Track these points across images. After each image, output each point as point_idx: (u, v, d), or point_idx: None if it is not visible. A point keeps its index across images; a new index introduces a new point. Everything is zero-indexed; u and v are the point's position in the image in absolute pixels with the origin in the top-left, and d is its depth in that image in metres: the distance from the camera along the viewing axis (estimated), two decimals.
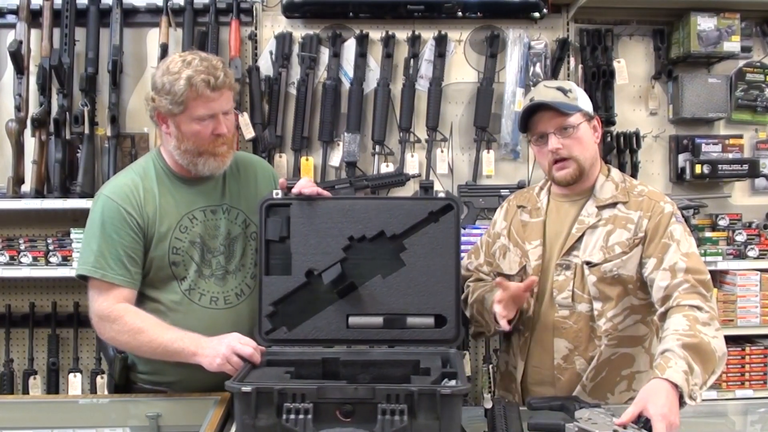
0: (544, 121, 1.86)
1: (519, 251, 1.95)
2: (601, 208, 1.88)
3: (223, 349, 1.70)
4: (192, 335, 1.78)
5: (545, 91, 1.88)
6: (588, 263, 1.84)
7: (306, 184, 1.91)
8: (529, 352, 1.93)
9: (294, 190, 1.89)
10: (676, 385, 1.54)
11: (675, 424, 1.49)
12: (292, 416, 1.41)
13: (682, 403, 1.55)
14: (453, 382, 1.55)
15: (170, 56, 1.88)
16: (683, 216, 3.19)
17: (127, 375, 1.96)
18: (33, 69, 3.01)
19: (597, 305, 1.84)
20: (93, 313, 1.86)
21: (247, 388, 1.43)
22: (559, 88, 1.88)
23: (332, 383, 1.57)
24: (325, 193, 1.91)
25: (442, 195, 1.89)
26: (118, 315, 1.81)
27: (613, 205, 1.88)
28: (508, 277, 1.94)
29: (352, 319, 1.83)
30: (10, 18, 3.07)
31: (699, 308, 1.70)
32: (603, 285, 1.83)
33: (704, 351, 1.63)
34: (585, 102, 1.90)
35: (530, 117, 1.88)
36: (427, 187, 1.91)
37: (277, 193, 1.90)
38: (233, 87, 1.86)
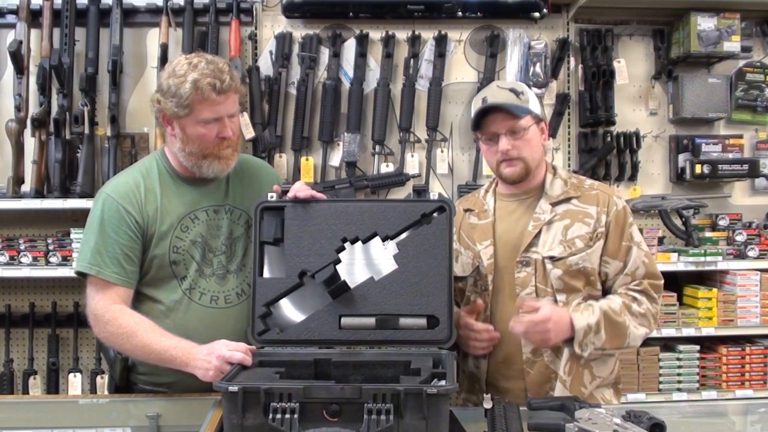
0: (497, 122, 1.89)
1: (471, 253, 1.98)
2: (554, 204, 1.93)
3: (214, 361, 1.69)
4: (184, 344, 1.77)
5: (498, 93, 1.91)
6: (551, 258, 1.88)
7: (300, 188, 1.91)
8: (493, 349, 1.94)
9: (289, 194, 1.90)
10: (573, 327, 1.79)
11: (548, 335, 1.76)
12: (279, 416, 1.40)
13: (570, 343, 1.81)
14: (442, 383, 1.55)
15: (176, 58, 1.87)
16: (683, 216, 3.22)
17: (128, 376, 1.96)
18: (33, 69, 3.02)
19: (561, 297, 1.88)
20: (89, 311, 1.86)
21: (233, 388, 1.42)
22: (512, 90, 1.91)
23: (319, 383, 1.57)
24: (320, 195, 1.91)
25: (434, 197, 1.90)
26: (113, 316, 1.81)
27: (567, 200, 1.93)
28: (461, 279, 2.00)
29: (345, 320, 1.83)
30: (10, 18, 3.09)
31: (638, 302, 1.88)
32: (568, 277, 1.88)
33: (619, 330, 1.84)
34: (535, 105, 1.93)
35: (482, 117, 1.91)
36: (420, 191, 1.92)
37: (272, 196, 1.90)
38: (239, 90, 1.86)
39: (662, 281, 1.93)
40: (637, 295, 1.89)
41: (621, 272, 1.90)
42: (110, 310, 1.82)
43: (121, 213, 1.85)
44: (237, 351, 1.69)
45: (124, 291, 1.86)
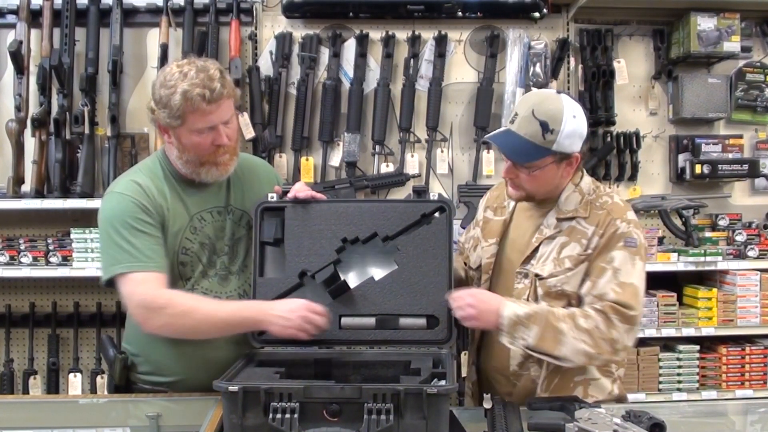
0: None
1: (483, 246, 1.96)
2: (561, 220, 1.82)
3: (295, 319, 1.71)
4: (252, 304, 1.79)
5: (525, 122, 1.73)
6: (537, 275, 1.82)
7: (301, 188, 1.91)
8: (489, 350, 1.92)
9: (289, 194, 1.90)
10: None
11: (470, 312, 1.70)
12: (279, 415, 1.41)
13: (500, 332, 1.72)
14: (442, 383, 1.55)
15: (169, 64, 1.85)
16: (683, 216, 3.21)
17: (127, 375, 1.95)
18: (33, 69, 3.02)
19: None
20: (136, 306, 1.78)
21: (233, 388, 1.43)
22: (542, 124, 1.72)
23: (319, 383, 1.57)
24: (320, 196, 1.91)
25: (434, 197, 1.89)
26: (167, 299, 1.76)
27: (574, 218, 1.82)
28: (472, 270, 1.99)
29: (345, 320, 1.83)
30: (10, 18, 3.09)
31: (587, 318, 1.71)
32: (549, 298, 1.80)
33: (553, 333, 1.70)
34: (567, 141, 1.74)
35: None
36: (420, 191, 1.92)
37: (272, 197, 1.90)
38: (232, 95, 1.82)
39: (634, 313, 1.73)
40: (591, 311, 1.73)
41: (589, 292, 1.76)
42: (163, 295, 1.76)
43: (142, 209, 1.81)
44: (320, 316, 1.73)
45: (165, 278, 1.80)
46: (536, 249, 1.84)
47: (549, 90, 1.85)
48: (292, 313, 1.72)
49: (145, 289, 1.76)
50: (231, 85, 1.82)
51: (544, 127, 1.72)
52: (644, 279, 1.78)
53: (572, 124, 1.73)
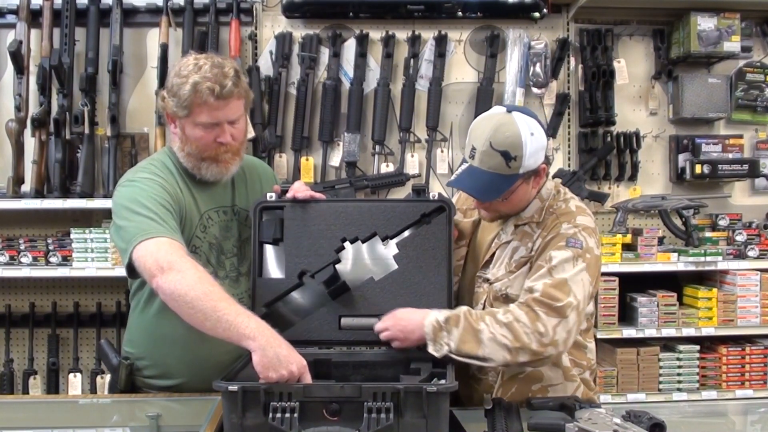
0: None
1: (452, 248, 1.93)
2: (518, 226, 1.81)
3: (284, 366, 1.47)
4: (261, 321, 1.56)
5: (486, 156, 1.67)
6: (487, 280, 1.82)
7: (300, 188, 1.90)
8: None
9: (288, 194, 1.89)
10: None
11: (394, 332, 1.71)
12: (279, 415, 1.40)
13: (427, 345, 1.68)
14: (442, 382, 1.55)
15: (187, 56, 1.83)
16: (683, 216, 3.20)
17: (133, 380, 1.93)
18: (33, 69, 3.02)
19: None
20: (155, 261, 1.59)
21: (233, 387, 1.42)
22: (504, 154, 1.66)
23: (319, 383, 1.57)
24: (319, 196, 1.91)
25: (434, 196, 1.89)
26: (190, 259, 1.60)
27: (527, 224, 1.80)
28: None
29: (345, 320, 1.82)
30: (10, 18, 3.09)
31: (508, 312, 1.66)
32: (498, 303, 1.77)
33: (474, 334, 1.65)
34: (532, 160, 1.69)
35: None
36: (419, 190, 1.91)
37: (271, 196, 1.89)
38: (244, 95, 1.81)
39: (561, 303, 1.65)
40: (512, 306, 1.69)
41: (522, 289, 1.72)
42: (186, 256, 1.60)
43: (169, 193, 1.76)
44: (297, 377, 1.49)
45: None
46: (493, 254, 1.83)
47: (498, 111, 1.75)
48: (285, 361, 1.48)
49: (169, 248, 1.62)
50: (244, 87, 1.81)
51: (506, 156, 1.67)
52: (585, 281, 1.69)
53: (533, 143, 1.68)
